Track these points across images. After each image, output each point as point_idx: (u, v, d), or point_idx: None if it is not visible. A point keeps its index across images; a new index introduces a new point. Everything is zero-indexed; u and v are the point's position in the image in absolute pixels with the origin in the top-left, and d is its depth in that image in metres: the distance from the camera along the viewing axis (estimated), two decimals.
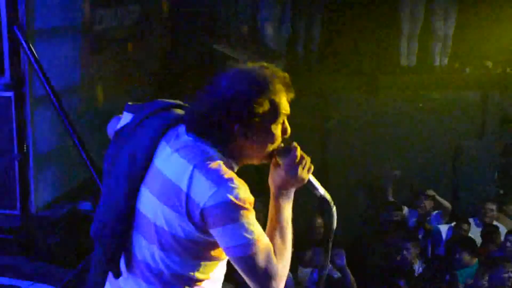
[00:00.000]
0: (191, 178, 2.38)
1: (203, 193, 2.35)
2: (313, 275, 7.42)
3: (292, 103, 2.58)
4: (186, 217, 2.39)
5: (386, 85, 10.65)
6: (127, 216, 2.55)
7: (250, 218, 2.37)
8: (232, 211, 2.34)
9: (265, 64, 2.52)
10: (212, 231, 2.39)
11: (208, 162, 2.41)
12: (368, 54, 10.88)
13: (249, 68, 2.49)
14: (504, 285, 7.13)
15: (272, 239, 2.47)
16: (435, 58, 10.77)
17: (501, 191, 9.97)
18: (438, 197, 9.24)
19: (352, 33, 10.71)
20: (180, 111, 2.64)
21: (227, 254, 2.43)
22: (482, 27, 10.47)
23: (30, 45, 5.54)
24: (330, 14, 10.95)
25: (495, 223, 8.60)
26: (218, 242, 2.41)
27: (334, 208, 2.63)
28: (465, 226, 8.38)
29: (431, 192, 9.25)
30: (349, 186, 10.07)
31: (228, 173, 2.40)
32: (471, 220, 8.74)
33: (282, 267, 2.45)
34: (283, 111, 2.50)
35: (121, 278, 2.64)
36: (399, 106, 10.51)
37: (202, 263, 2.54)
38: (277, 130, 2.50)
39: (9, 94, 5.78)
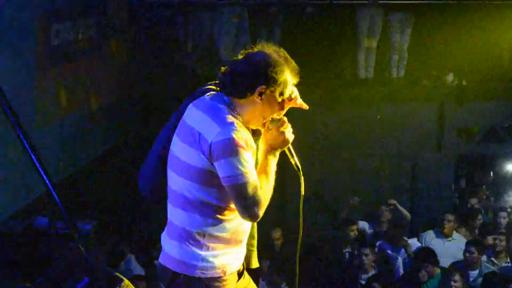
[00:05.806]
0: (204, 122, 3.03)
1: (211, 131, 2.99)
2: None
3: None
4: (200, 151, 3.02)
5: (344, 98, 10.68)
6: (163, 156, 3.22)
7: (245, 155, 2.98)
8: (232, 147, 2.95)
9: (279, 49, 3.14)
10: (215, 164, 3.00)
11: (219, 112, 3.05)
12: (326, 67, 10.89)
13: (271, 49, 3.12)
14: None
15: (260, 180, 3.08)
16: (392, 70, 10.87)
17: (457, 202, 10.05)
18: (399, 206, 9.32)
19: (310, 46, 10.71)
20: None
21: (224, 182, 3.01)
22: (439, 40, 10.62)
23: None
24: (289, 26, 10.99)
25: (454, 234, 8.69)
26: (218, 172, 3.00)
27: (302, 177, 3.23)
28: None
29: (392, 201, 9.33)
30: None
31: (232, 119, 3.02)
32: (431, 231, 8.81)
33: (265, 199, 3.06)
34: (289, 90, 3.14)
35: (169, 211, 3.24)
36: (357, 119, 10.55)
37: (220, 192, 3.08)
38: (280, 102, 3.12)
39: None
